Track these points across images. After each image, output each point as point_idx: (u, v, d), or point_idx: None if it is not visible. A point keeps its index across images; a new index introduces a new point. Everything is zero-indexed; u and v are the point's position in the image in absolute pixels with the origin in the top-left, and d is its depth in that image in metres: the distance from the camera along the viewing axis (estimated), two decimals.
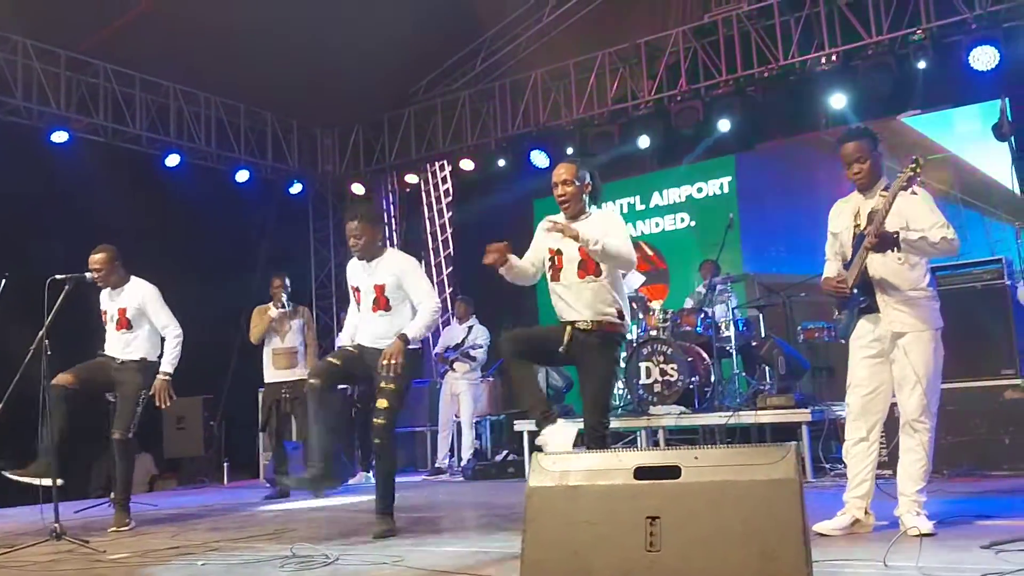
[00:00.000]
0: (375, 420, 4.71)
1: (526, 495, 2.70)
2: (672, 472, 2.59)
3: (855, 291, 4.07)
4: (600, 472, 2.66)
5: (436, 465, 8.93)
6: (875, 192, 4.05)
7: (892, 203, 3.78)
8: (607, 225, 4.35)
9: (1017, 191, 8.42)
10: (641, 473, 2.62)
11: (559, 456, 2.76)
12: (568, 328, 4.28)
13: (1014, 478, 5.75)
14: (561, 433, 4.05)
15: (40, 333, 4.89)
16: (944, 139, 8.90)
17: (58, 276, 5.10)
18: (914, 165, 3.68)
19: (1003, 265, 6.25)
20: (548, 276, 4.45)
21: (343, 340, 5.06)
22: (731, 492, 2.50)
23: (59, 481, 4.99)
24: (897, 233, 3.82)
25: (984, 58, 8.01)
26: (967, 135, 8.95)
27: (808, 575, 2.38)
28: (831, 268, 4.32)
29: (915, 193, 3.78)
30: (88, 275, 5.44)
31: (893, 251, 3.88)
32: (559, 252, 4.37)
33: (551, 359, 4.49)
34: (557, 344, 4.29)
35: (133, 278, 5.89)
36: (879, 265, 3.98)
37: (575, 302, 4.30)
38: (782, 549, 2.40)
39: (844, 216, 4.19)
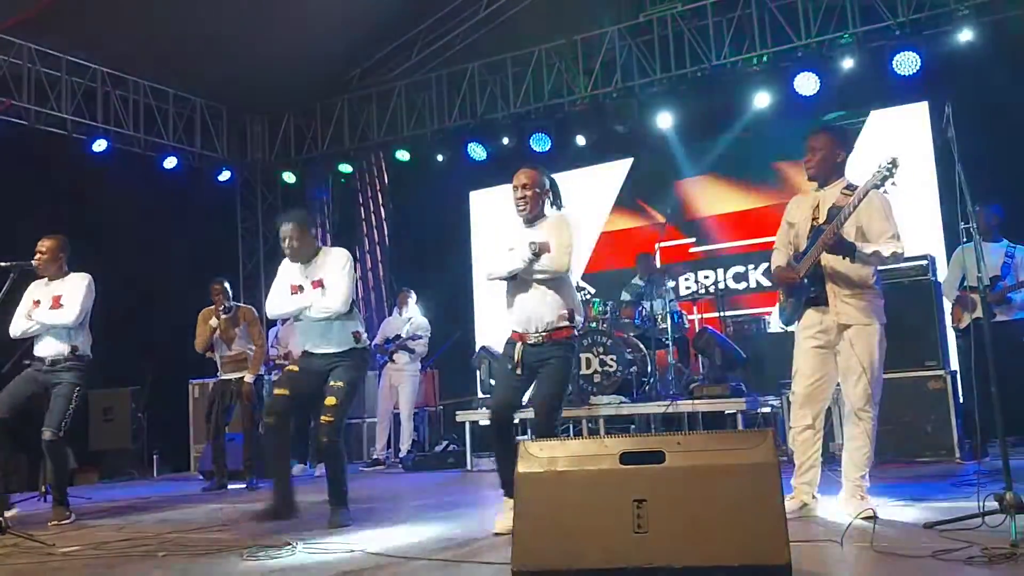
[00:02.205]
0: (324, 418, 4.69)
1: (515, 481, 2.78)
2: (656, 457, 2.70)
3: (805, 280, 4.26)
4: (587, 458, 2.75)
5: (374, 456, 8.93)
6: (835, 187, 4.25)
7: (861, 200, 3.96)
8: (554, 234, 4.30)
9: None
10: (627, 458, 2.72)
11: (546, 443, 2.84)
12: (518, 345, 4.29)
13: (936, 463, 6.10)
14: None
15: None
16: None
17: (2, 263, 4.95)
18: (890, 164, 3.85)
19: (928, 262, 6.57)
20: None
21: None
22: (714, 475, 2.62)
23: None
24: (854, 245, 4.01)
25: (906, 63, 8.39)
26: None
27: (789, 553, 2.51)
28: (780, 257, 4.51)
29: (886, 192, 3.97)
30: (34, 262, 5.29)
31: (844, 259, 4.07)
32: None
33: (522, 393, 4.44)
34: (516, 376, 4.28)
35: (72, 273, 5.73)
36: (832, 258, 4.16)
37: (527, 307, 4.29)
38: (764, 529, 2.53)
39: (803, 208, 4.38)
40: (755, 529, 2.53)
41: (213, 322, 7.51)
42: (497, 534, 4.06)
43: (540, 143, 10.08)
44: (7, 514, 5.38)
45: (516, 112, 10.30)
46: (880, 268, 6.29)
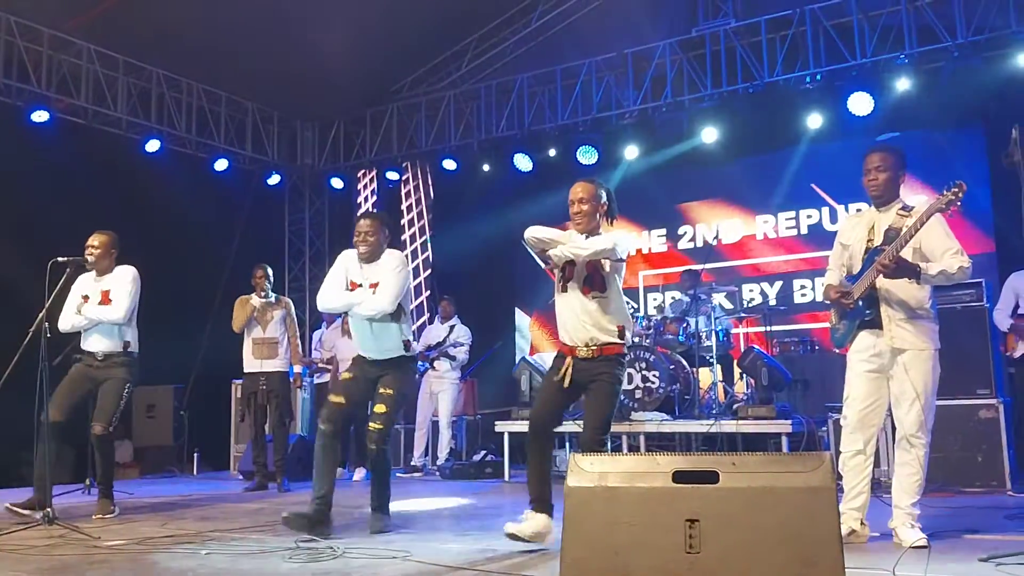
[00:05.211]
0: (372, 425, 4.73)
1: (565, 495, 2.75)
2: (710, 476, 2.66)
3: (860, 303, 4.18)
4: (639, 475, 2.72)
5: (412, 463, 8.93)
6: (891, 209, 4.17)
7: (924, 223, 3.88)
8: (608, 236, 4.34)
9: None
10: (680, 477, 2.68)
11: (597, 458, 2.82)
12: (568, 359, 4.27)
13: (987, 495, 5.95)
14: (534, 523, 4.13)
15: (40, 315, 4.84)
16: None
17: (59, 259, 5.05)
18: (956, 189, 3.77)
19: (982, 288, 6.44)
20: (556, 286, 4.43)
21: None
22: (769, 498, 2.58)
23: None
24: (918, 266, 3.94)
25: (964, 85, 8.25)
26: None
27: None
28: (833, 277, 4.44)
29: (951, 215, 3.89)
30: (87, 256, 5.40)
31: (910, 281, 3.99)
32: (571, 263, 4.32)
33: (565, 408, 4.46)
34: (561, 389, 4.26)
35: (118, 268, 5.82)
36: (888, 281, 4.07)
37: (577, 321, 4.27)
38: (820, 555, 2.48)
39: (858, 229, 4.30)
40: (811, 554, 2.48)
41: (255, 301, 7.59)
42: (508, 534, 4.08)
43: (587, 155, 10.05)
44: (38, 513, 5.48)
45: (564, 124, 10.30)
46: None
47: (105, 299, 5.67)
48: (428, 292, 11.92)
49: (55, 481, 5.49)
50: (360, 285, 4.83)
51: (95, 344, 5.67)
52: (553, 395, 4.32)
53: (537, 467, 4.33)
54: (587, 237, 4.33)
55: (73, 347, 5.77)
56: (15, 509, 5.19)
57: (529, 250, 4.43)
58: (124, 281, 5.70)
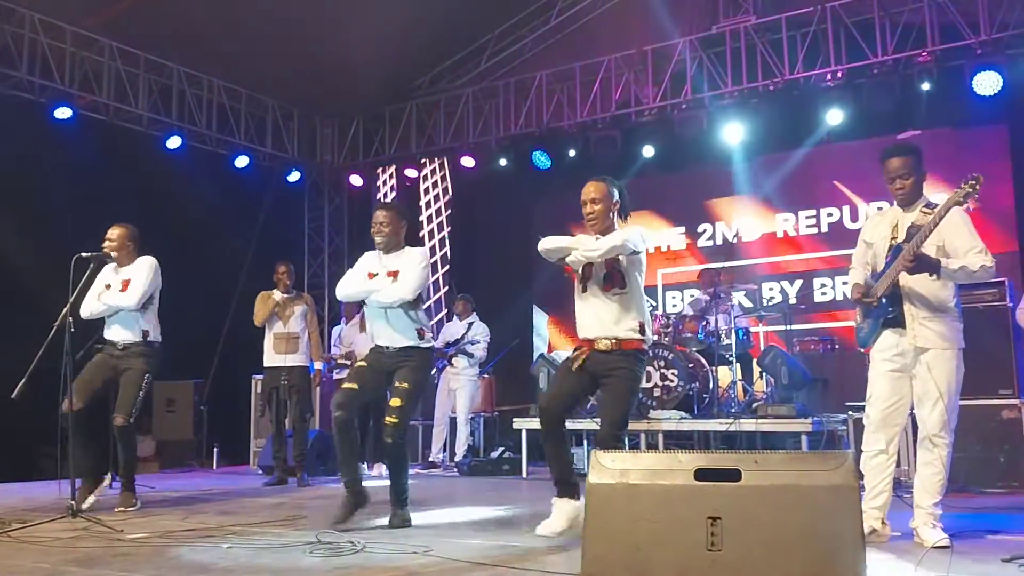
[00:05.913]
0: (388, 419, 4.74)
1: (587, 491, 2.76)
2: (732, 475, 2.66)
3: (883, 301, 4.16)
4: (660, 472, 2.72)
5: (430, 459, 8.97)
6: (916, 207, 4.15)
7: (943, 218, 3.87)
8: (618, 233, 4.36)
9: None
10: (702, 475, 2.69)
11: (618, 455, 2.82)
12: (586, 349, 4.30)
13: (1009, 495, 5.90)
14: (561, 516, 4.17)
15: (64, 310, 4.88)
16: None
17: (83, 254, 5.09)
18: (973, 182, 3.75)
19: (1004, 287, 6.39)
20: (577, 286, 4.45)
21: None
22: (791, 496, 2.57)
23: None
24: (939, 261, 3.91)
25: (987, 83, 8.18)
26: None
27: None
28: (857, 275, 4.42)
29: (969, 208, 3.87)
30: (106, 250, 5.46)
31: (931, 277, 3.97)
32: (589, 263, 4.35)
33: (583, 397, 4.53)
34: (576, 377, 4.31)
35: (140, 257, 5.86)
36: (911, 279, 4.06)
37: (597, 318, 4.30)
38: (841, 553, 2.48)
39: (881, 227, 4.28)
40: (833, 553, 2.48)
41: (277, 295, 7.66)
42: (542, 536, 4.13)
43: (605, 153, 10.01)
44: (89, 500, 5.51)
45: (582, 121, 10.28)
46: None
47: (125, 287, 5.72)
48: (446, 288, 11.93)
49: (78, 474, 5.53)
50: (377, 274, 4.87)
51: (115, 334, 5.72)
52: (567, 382, 4.36)
53: (554, 451, 4.39)
54: (599, 236, 4.35)
55: (96, 339, 5.82)
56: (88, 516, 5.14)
57: (547, 258, 4.46)
58: (142, 269, 5.75)
